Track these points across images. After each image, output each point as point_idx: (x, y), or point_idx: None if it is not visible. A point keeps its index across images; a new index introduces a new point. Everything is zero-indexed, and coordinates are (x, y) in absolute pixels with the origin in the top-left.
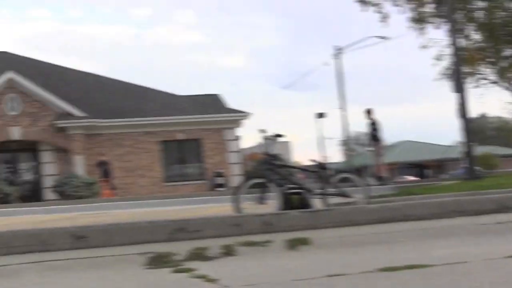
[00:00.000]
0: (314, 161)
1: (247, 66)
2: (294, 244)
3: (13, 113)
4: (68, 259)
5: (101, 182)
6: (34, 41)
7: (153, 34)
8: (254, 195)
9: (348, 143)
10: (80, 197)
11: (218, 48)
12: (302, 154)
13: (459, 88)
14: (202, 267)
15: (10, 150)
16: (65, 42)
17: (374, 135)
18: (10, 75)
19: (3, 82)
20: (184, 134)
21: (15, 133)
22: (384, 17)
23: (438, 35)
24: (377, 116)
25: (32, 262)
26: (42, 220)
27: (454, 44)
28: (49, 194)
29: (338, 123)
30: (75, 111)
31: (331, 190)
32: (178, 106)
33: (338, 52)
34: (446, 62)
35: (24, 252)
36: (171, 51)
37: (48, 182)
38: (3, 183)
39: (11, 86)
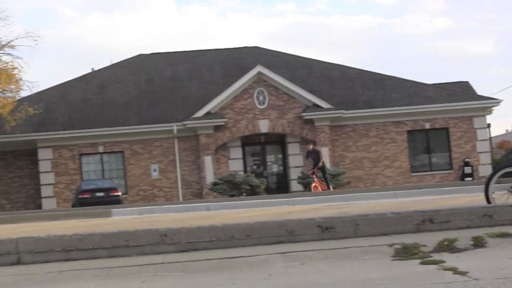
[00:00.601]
0: None
1: (496, 51)
2: None
3: (262, 106)
4: (314, 250)
5: (311, 174)
6: (281, 34)
7: (399, 23)
8: (505, 184)
9: None
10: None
11: (466, 34)
12: None
13: None
14: (450, 259)
15: (258, 143)
16: (310, 34)
17: None
18: (258, 69)
19: (252, 76)
20: (432, 123)
21: (263, 126)
22: None
23: None
24: None
25: (279, 253)
26: (289, 211)
27: None
28: (295, 186)
29: None
30: (322, 103)
31: None
32: (425, 95)
33: None
34: None
35: (272, 243)
36: (417, 39)
37: (294, 173)
38: (251, 176)
39: (260, 80)
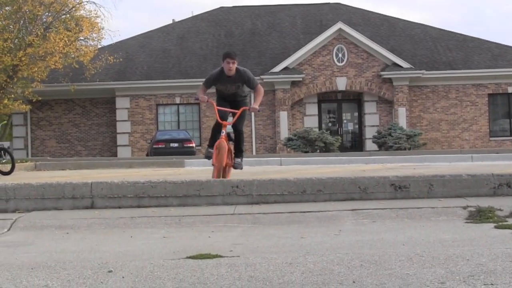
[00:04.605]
0: None
1: None
2: None
3: (340, 63)
4: (386, 208)
5: None
6: None
7: None
8: None
9: None
10: (400, 149)
11: None
12: None
13: None
14: None
15: (335, 100)
16: None
17: None
18: (339, 25)
19: (333, 33)
20: None
21: (341, 83)
22: None
23: None
24: None
25: (350, 210)
26: (363, 169)
27: None
28: (370, 145)
29: None
30: (402, 63)
31: None
32: (509, 58)
33: None
34: None
35: (344, 199)
36: (502, 0)
37: (369, 133)
38: (326, 133)
39: (340, 37)
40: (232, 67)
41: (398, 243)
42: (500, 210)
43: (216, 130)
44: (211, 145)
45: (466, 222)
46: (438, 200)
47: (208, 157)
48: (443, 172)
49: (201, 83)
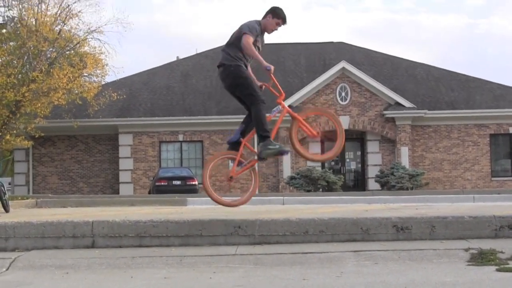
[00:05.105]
0: None
1: None
2: None
3: (343, 102)
4: (388, 250)
5: None
6: (367, 31)
7: (487, 23)
8: None
9: None
10: (402, 188)
11: None
12: None
13: None
14: None
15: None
16: (395, 32)
17: None
18: (342, 64)
19: (336, 71)
20: None
21: (344, 122)
22: None
23: None
24: None
25: (353, 251)
26: (365, 209)
27: None
28: (372, 184)
29: None
30: (404, 102)
31: None
32: (510, 98)
33: None
34: None
35: (346, 240)
36: (504, 41)
37: (372, 172)
38: (329, 172)
39: (343, 75)
40: (277, 29)
41: (400, 286)
42: (502, 252)
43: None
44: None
45: (468, 265)
46: (440, 242)
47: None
48: (445, 213)
49: (204, 121)
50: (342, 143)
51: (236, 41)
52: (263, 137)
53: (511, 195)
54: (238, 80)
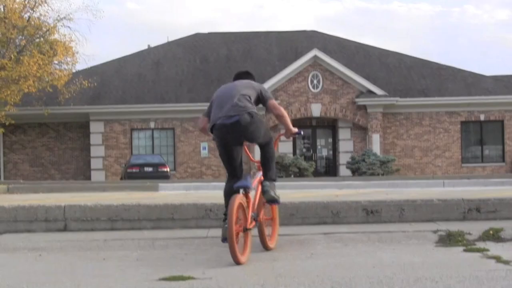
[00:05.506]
0: None
1: None
2: None
3: (315, 90)
4: (357, 232)
5: None
6: (339, 19)
7: (459, 12)
8: None
9: None
10: (373, 175)
11: None
12: None
13: None
14: (495, 248)
15: (309, 126)
16: (367, 20)
17: None
18: (314, 52)
19: (308, 59)
20: (487, 115)
21: (316, 110)
22: None
23: None
24: None
25: (323, 233)
26: (336, 194)
27: None
28: (343, 171)
29: None
30: (376, 90)
31: None
32: (482, 86)
33: None
34: None
35: (316, 223)
36: (477, 30)
37: (343, 158)
38: (300, 158)
39: (315, 63)
40: None
41: (369, 266)
42: (469, 234)
43: None
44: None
45: (436, 246)
46: (409, 224)
47: None
48: (414, 197)
49: (175, 108)
50: None
51: (261, 99)
52: (274, 180)
53: (481, 181)
54: (263, 125)
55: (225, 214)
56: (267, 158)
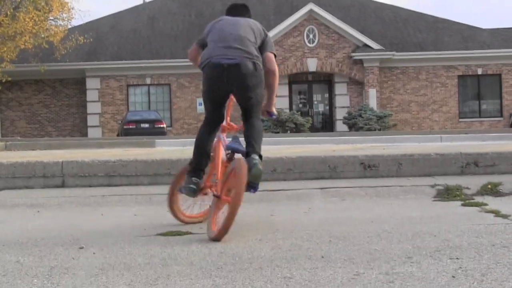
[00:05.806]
0: None
1: None
2: None
3: (311, 45)
4: (355, 187)
5: None
6: None
7: None
8: None
9: None
10: (370, 130)
11: None
12: None
13: None
14: (493, 202)
15: (305, 81)
16: None
17: None
18: (310, 6)
19: (304, 13)
20: (484, 69)
21: (312, 64)
22: None
23: None
24: None
25: (320, 188)
26: (333, 149)
27: None
28: (340, 126)
29: None
30: (372, 44)
31: None
32: (479, 40)
33: None
34: None
35: (314, 178)
36: None
37: (340, 114)
38: (297, 114)
39: (311, 18)
40: None
41: (367, 220)
42: (468, 188)
43: None
44: None
45: (434, 200)
46: (406, 179)
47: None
48: (412, 152)
49: (171, 64)
50: None
51: (261, 47)
52: (260, 156)
53: (478, 135)
54: (262, 85)
55: (194, 165)
56: (257, 132)
